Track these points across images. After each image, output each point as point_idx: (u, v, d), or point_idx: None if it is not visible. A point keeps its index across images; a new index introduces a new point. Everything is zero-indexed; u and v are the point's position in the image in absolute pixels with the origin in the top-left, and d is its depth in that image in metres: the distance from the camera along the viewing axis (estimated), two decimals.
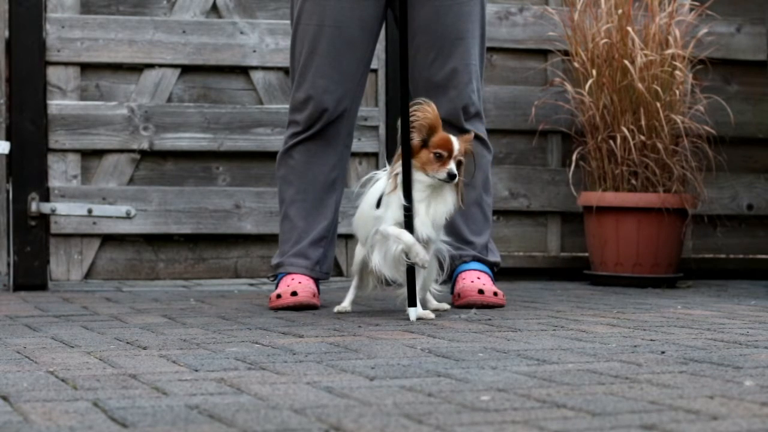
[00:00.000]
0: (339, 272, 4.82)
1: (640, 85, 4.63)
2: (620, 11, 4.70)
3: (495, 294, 3.67)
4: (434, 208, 3.33)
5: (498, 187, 4.92)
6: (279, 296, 3.64)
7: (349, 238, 4.66)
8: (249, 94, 4.83)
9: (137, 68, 4.73)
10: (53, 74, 4.64)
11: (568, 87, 4.83)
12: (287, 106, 3.87)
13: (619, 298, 4.07)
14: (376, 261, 3.34)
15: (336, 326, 3.14)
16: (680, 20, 4.80)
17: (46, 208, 4.57)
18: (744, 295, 4.24)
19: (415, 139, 3.31)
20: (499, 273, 3.96)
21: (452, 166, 3.26)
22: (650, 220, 4.66)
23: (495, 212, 4.82)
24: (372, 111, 4.84)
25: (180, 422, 1.80)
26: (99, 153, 4.68)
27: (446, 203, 3.34)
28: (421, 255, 3.26)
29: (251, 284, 4.70)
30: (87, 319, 3.41)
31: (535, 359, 2.48)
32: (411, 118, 3.30)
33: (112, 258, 4.71)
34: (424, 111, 3.30)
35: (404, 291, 3.34)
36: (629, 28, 4.69)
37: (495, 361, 2.45)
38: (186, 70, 4.76)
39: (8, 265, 4.57)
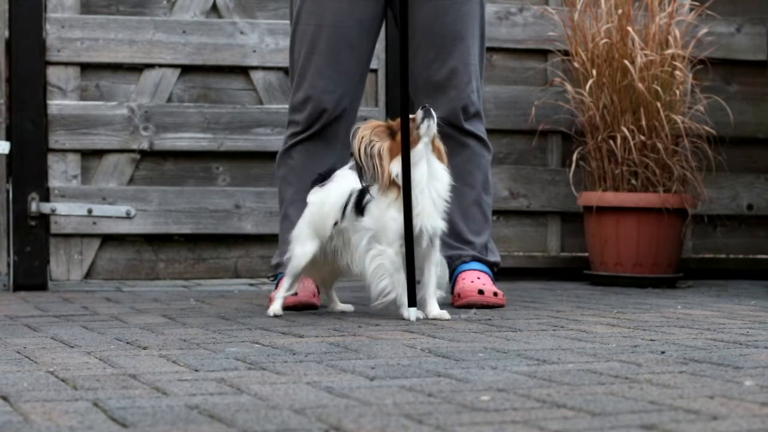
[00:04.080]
0: None
1: (640, 85, 4.63)
2: (620, 11, 4.70)
3: (495, 294, 3.67)
4: (435, 190, 3.23)
5: (498, 187, 4.92)
6: None
7: None
8: (249, 94, 4.83)
9: (137, 68, 4.73)
10: (53, 74, 4.64)
11: (568, 87, 4.83)
12: (287, 106, 3.87)
13: (619, 298, 4.07)
14: (370, 277, 3.26)
15: (336, 326, 3.14)
16: (680, 20, 4.80)
17: (46, 208, 4.57)
18: (744, 295, 4.24)
19: (385, 142, 3.22)
20: (499, 273, 3.95)
21: (425, 108, 3.19)
22: (650, 220, 4.66)
23: (495, 212, 4.82)
24: (372, 111, 4.84)
25: (180, 422, 1.80)
26: (99, 153, 4.68)
27: (442, 180, 3.25)
28: (405, 314, 3.22)
29: (251, 284, 4.70)
30: (87, 319, 3.41)
31: (535, 359, 2.48)
32: (363, 147, 3.19)
33: (112, 258, 4.71)
34: (367, 127, 3.22)
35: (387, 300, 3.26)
36: (629, 28, 4.69)
37: (495, 361, 2.45)
38: (186, 70, 4.77)
39: (8, 265, 4.57)
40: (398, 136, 3.23)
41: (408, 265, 3.28)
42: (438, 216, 3.26)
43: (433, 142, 3.27)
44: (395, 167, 3.20)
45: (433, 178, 3.24)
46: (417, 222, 3.22)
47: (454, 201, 3.81)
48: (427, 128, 3.21)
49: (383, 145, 3.23)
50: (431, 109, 3.24)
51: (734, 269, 5.16)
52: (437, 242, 3.30)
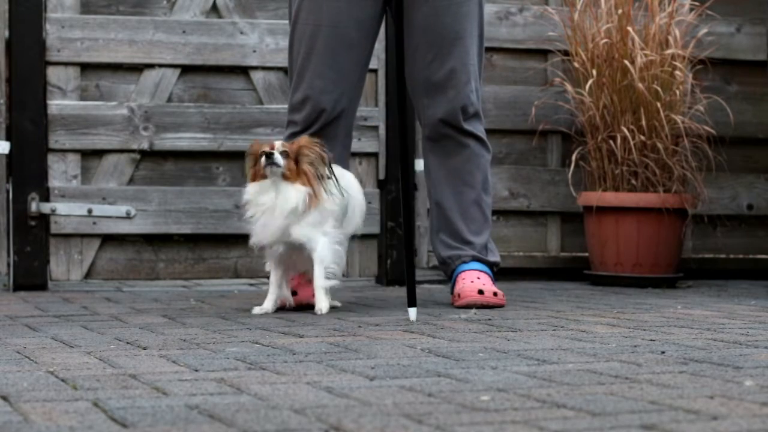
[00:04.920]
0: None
1: (640, 85, 4.63)
2: (620, 11, 4.70)
3: (495, 294, 3.67)
4: (279, 209, 3.45)
5: (498, 187, 4.92)
6: None
7: (351, 238, 4.64)
8: (249, 94, 4.83)
9: (137, 68, 4.73)
10: (53, 74, 4.64)
11: (568, 87, 4.83)
12: (287, 106, 3.87)
13: (619, 298, 4.07)
14: None
15: (336, 326, 3.14)
16: (680, 20, 4.80)
17: (46, 208, 4.57)
18: (744, 295, 4.24)
19: (251, 168, 3.52)
20: (499, 273, 3.96)
21: (268, 154, 3.43)
22: (650, 220, 4.65)
23: (495, 212, 4.82)
24: (372, 111, 4.84)
25: (180, 422, 1.80)
26: (99, 153, 4.68)
27: (288, 200, 3.44)
28: (263, 306, 3.54)
29: (251, 284, 4.70)
30: (87, 319, 3.41)
31: (535, 359, 2.48)
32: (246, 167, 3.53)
33: (112, 258, 4.71)
34: (251, 148, 3.53)
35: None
36: (629, 28, 4.69)
37: (495, 361, 2.45)
38: (186, 70, 4.76)
39: (8, 265, 4.57)
40: (257, 164, 3.49)
41: (407, 266, 3.30)
42: (283, 227, 3.46)
43: (302, 170, 3.47)
44: (245, 194, 3.52)
45: (280, 200, 3.45)
46: (264, 239, 3.49)
47: (454, 201, 3.82)
48: (271, 172, 3.44)
49: (249, 170, 3.54)
50: (275, 156, 3.43)
51: (734, 269, 5.16)
52: (312, 245, 3.47)
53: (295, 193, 3.44)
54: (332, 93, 3.72)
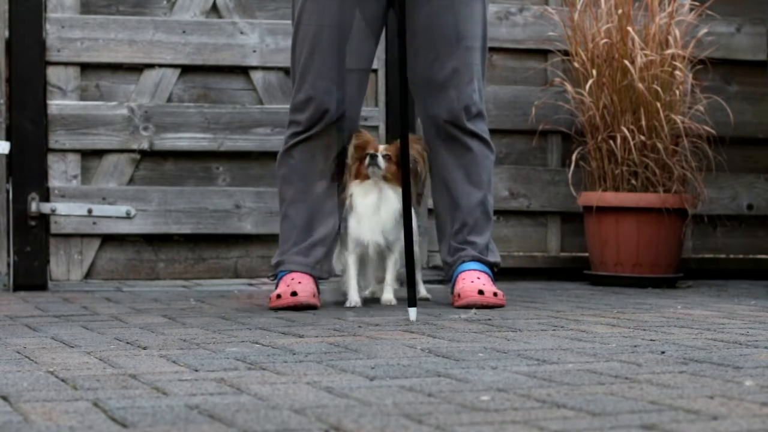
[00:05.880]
0: None
1: (640, 85, 4.63)
2: (620, 11, 4.70)
3: (495, 294, 3.67)
4: (383, 211, 3.66)
5: (498, 187, 4.92)
6: (279, 296, 3.64)
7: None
8: (249, 94, 4.83)
9: (137, 68, 4.73)
10: (53, 74, 4.64)
11: (568, 87, 4.83)
12: (287, 106, 3.87)
13: (619, 298, 4.07)
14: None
15: (336, 326, 3.14)
16: (680, 20, 4.80)
17: (46, 208, 4.57)
18: (744, 295, 4.24)
19: (356, 163, 3.68)
20: (499, 273, 3.95)
21: (372, 156, 3.61)
22: (650, 220, 4.65)
23: (495, 212, 4.81)
24: (372, 111, 4.84)
25: (180, 422, 1.80)
26: (99, 153, 4.68)
27: (390, 202, 3.65)
28: (352, 299, 3.70)
29: (251, 284, 4.70)
30: (87, 319, 3.41)
31: (535, 359, 2.48)
32: (350, 155, 3.69)
33: (112, 258, 4.71)
34: (360, 137, 3.70)
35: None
36: (629, 28, 4.69)
37: (495, 361, 2.45)
38: (186, 70, 4.76)
39: (8, 265, 4.57)
40: (361, 162, 3.67)
41: (408, 266, 3.30)
42: (379, 232, 3.68)
43: (394, 170, 3.65)
44: (350, 189, 3.69)
45: (382, 203, 3.67)
46: (365, 237, 3.68)
47: (465, 201, 3.81)
48: (372, 173, 3.65)
49: (354, 164, 3.69)
50: (379, 158, 3.63)
51: (734, 269, 5.16)
52: (394, 247, 3.71)
53: (395, 195, 3.62)
54: (335, 93, 3.72)
